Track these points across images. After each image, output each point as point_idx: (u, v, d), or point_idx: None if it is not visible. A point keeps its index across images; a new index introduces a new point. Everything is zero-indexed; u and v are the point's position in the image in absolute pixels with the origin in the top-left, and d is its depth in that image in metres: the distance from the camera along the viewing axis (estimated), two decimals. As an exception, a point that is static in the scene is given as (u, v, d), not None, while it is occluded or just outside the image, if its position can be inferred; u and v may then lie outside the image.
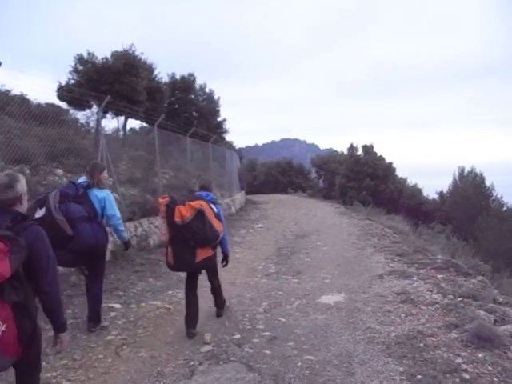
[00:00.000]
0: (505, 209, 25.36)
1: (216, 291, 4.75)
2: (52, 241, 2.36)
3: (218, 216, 4.35)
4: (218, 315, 4.77)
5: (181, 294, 5.79)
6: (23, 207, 2.39)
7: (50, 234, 2.45)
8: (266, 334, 4.25)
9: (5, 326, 1.98)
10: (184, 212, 3.99)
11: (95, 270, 4.40)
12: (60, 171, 8.84)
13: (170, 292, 5.85)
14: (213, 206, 4.35)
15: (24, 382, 2.41)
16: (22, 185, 2.36)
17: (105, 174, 4.40)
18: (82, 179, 4.38)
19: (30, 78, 7.33)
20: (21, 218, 2.27)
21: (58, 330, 2.42)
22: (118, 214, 4.41)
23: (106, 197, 4.22)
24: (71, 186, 4.11)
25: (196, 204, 4.09)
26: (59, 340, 2.44)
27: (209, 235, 4.12)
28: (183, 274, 6.81)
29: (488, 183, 27.09)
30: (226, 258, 4.73)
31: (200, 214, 4.06)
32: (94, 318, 4.40)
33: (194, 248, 4.08)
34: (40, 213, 3.70)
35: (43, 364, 3.60)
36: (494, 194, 26.86)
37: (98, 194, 4.16)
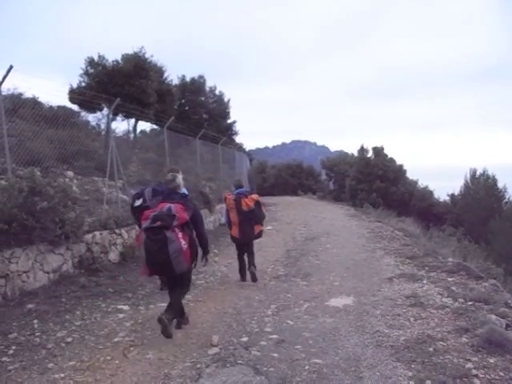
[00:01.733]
0: (517, 211, 24.94)
1: (252, 253, 6.57)
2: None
3: (263, 204, 6.64)
4: (252, 271, 6.39)
5: (190, 295, 5.80)
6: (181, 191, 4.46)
7: None
8: (274, 336, 4.22)
9: (187, 245, 3.91)
10: (249, 202, 6.24)
11: None
12: (70, 173, 8.93)
13: (178, 294, 5.84)
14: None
15: (179, 288, 4.24)
16: (179, 179, 4.49)
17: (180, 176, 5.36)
18: None
19: (41, 81, 7.39)
20: (184, 196, 4.34)
21: (205, 253, 4.50)
22: None
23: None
24: (160, 185, 4.98)
25: (254, 196, 6.38)
26: (206, 258, 4.56)
27: (263, 216, 6.59)
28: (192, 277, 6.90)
29: (500, 185, 26.75)
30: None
31: (258, 202, 6.36)
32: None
33: (253, 225, 6.37)
34: (138, 202, 4.73)
35: (51, 365, 3.66)
36: (507, 197, 26.49)
37: None
